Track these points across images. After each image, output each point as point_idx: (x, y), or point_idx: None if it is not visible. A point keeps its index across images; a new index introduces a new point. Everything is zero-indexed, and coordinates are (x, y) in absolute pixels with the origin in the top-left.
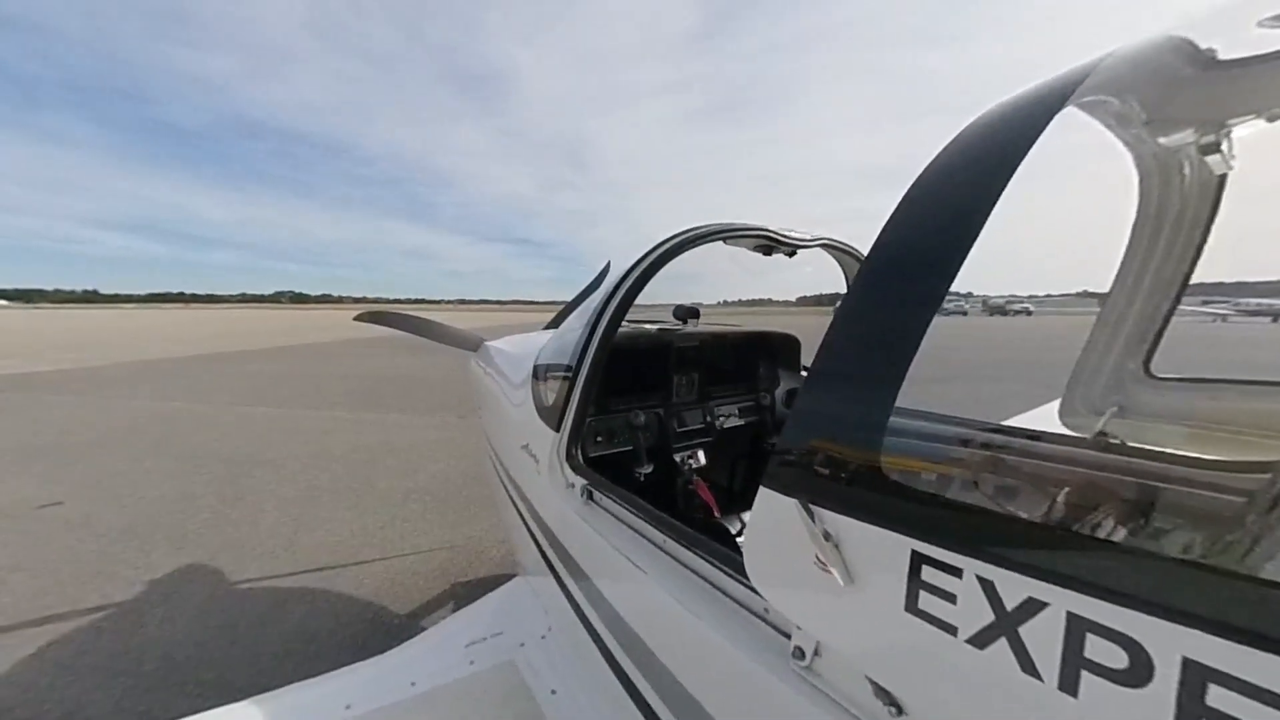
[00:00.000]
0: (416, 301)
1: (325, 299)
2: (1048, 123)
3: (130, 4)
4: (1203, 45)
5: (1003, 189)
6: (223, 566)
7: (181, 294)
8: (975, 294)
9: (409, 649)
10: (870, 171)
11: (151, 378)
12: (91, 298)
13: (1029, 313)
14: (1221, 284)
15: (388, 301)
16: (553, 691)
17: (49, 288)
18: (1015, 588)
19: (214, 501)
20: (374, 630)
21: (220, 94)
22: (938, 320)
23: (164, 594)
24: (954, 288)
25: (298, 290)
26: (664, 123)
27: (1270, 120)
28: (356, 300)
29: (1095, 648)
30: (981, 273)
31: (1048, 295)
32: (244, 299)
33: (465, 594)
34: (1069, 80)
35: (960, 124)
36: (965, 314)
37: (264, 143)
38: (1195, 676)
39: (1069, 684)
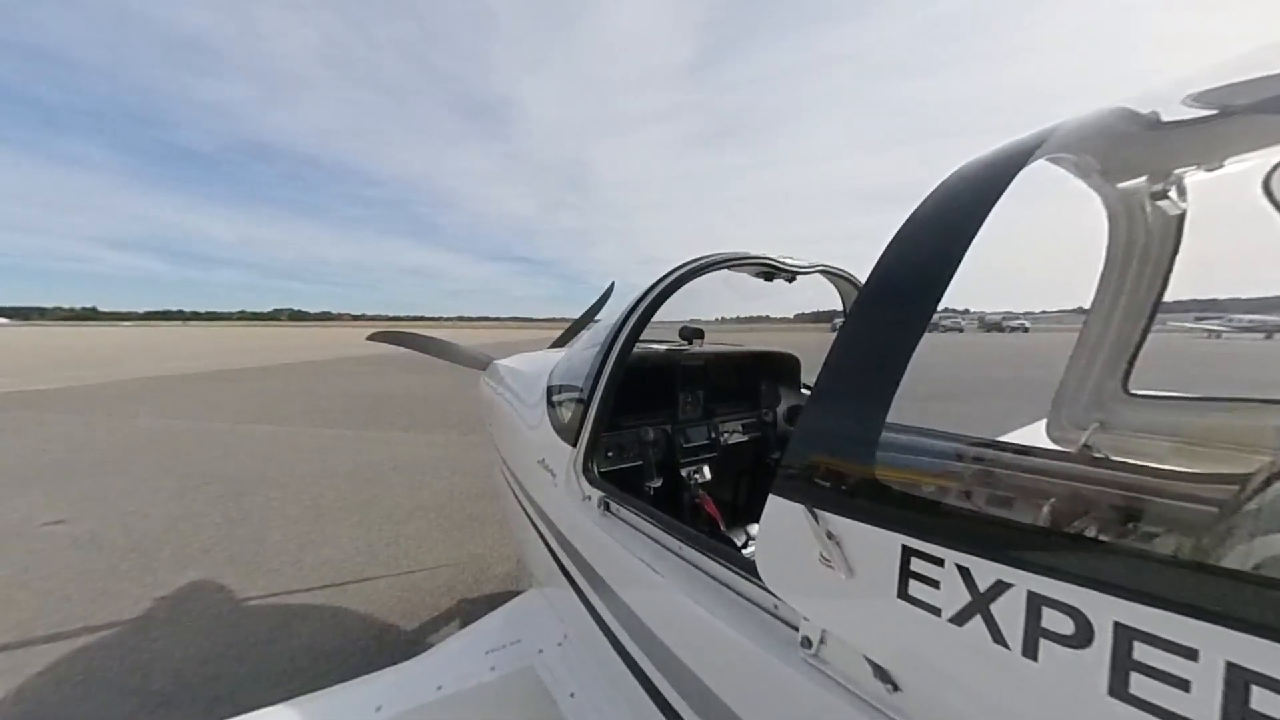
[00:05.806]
0: (416, 319)
1: (324, 316)
2: (1013, 176)
3: (152, 35)
4: (1144, 111)
5: (976, 231)
6: (229, 584)
7: (181, 311)
8: (972, 310)
9: (431, 656)
10: (866, 193)
11: (153, 395)
12: (90, 315)
13: (1025, 329)
14: (1180, 301)
15: (387, 319)
16: (572, 694)
17: (49, 305)
18: (986, 573)
19: (218, 519)
20: (382, 647)
21: (234, 119)
22: (936, 339)
23: (171, 612)
24: (950, 304)
25: (296, 308)
26: (662, 146)
27: (1209, 170)
28: (355, 318)
29: (1049, 619)
30: (984, 290)
31: (1043, 312)
32: (243, 316)
33: (472, 610)
34: (1030, 142)
35: (948, 148)
36: (961, 330)
37: (274, 166)
38: (1124, 636)
39: (1030, 650)
